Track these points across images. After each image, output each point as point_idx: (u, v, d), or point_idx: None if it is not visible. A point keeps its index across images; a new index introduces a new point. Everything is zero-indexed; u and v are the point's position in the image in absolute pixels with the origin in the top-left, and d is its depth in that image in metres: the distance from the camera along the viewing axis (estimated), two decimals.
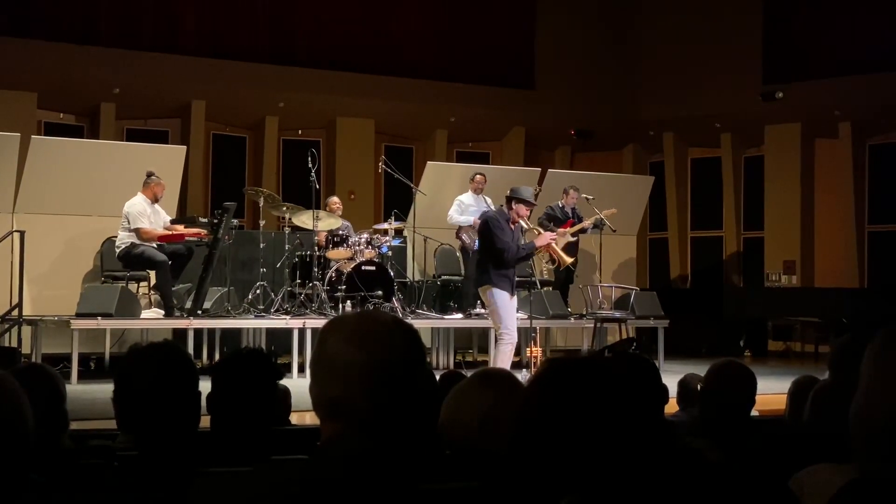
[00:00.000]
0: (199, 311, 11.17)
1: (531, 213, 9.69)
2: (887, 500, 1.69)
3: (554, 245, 9.40)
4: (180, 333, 11.06)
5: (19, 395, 2.07)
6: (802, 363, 14.39)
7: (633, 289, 13.25)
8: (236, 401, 3.16)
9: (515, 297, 9.34)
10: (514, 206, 9.09)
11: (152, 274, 11.31)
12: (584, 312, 13.04)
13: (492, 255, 9.04)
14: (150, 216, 11.07)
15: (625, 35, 18.20)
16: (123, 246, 11.03)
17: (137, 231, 10.93)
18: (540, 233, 9.43)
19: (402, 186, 13.42)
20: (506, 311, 9.07)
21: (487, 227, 9.14)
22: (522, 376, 9.66)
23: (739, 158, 18.02)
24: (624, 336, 11.75)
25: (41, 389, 3.02)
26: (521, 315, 10.28)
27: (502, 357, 9.14)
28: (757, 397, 4.16)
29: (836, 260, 16.94)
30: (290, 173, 16.59)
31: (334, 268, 11.81)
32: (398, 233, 12.94)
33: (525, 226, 9.33)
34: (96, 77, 14.87)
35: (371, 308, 11.31)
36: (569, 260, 9.71)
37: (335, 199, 12.75)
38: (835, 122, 16.67)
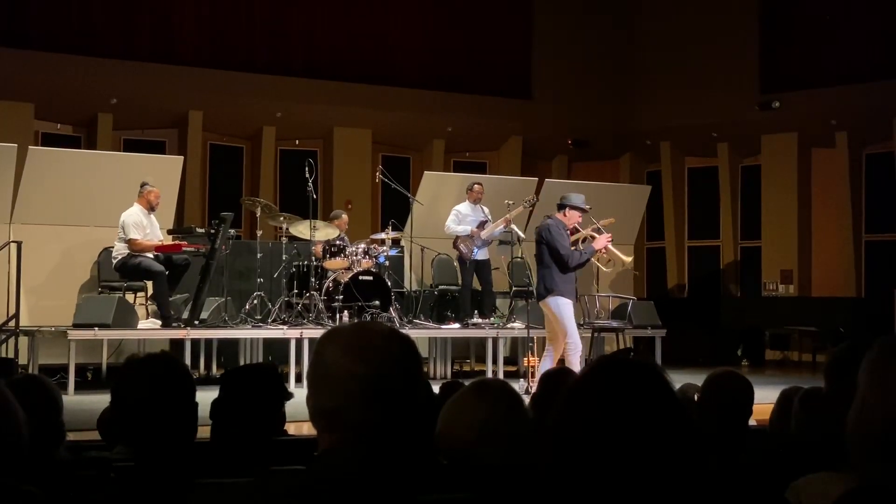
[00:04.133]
0: (197, 322, 11.15)
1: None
2: None
3: (611, 246, 9.34)
4: (177, 344, 11.04)
5: (13, 405, 2.06)
6: (800, 372, 14.39)
7: (630, 298, 13.24)
8: (241, 411, 3.16)
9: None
10: (566, 214, 9.09)
11: (149, 284, 11.30)
12: (582, 322, 13.01)
13: (556, 263, 9.02)
14: (145, 227, 11.07)
15: (621, 45, 18.23)
16: (120, 256, 11.03)
17: (129, 242, 10.92)
18: (595, 237, 9.37)
19: (400, 196, 13.42)
20: (571, 321, 9.07)
21: (550, 234, 9.11)
22: (520, 386, 9.66)
23: (736, 168, 18.04)
24: (621, 346, 11.76)
25: (37, 400, 3.01)
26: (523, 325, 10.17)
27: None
28: (754, 407, 4.15)
29: (833, 269, 16.95)
30: (287, 183, 16.59)
31: (331, 278, 11.80)
32: (395, 242, 12.94)
33: (583, 231, 9.32)
34: (93, 87, 14.88)
35: (368, 318, 11.30)
36: (627, 259, 9.64)
37: (346, 217, 12.73)
38: (831, 132, 16.69)
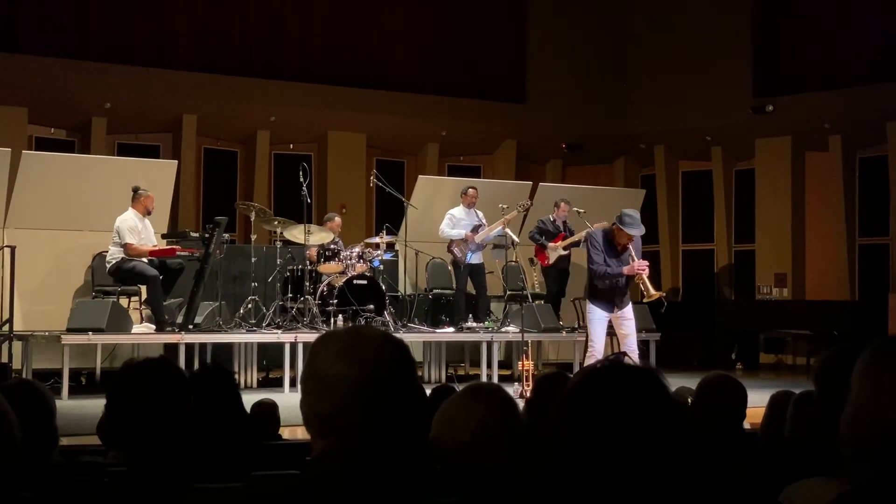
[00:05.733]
0: (191, 326, 11.14)
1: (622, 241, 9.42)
2: None
3: (643, 276, 9.39)
4: (171, 348, 11.02)
5: (6, 410, 2.06)
6: (794, 376, 14.41)
7: None
8: (205, 420, 3.15)
9: (628, 309, 9.47)
10: (615, 229, 9.20)
11: (143, 289, 11.28)
12: (576, 326, 13.04)
13: (588, 272, 9.45)
14: (140, 232, 11.06)
15: (615, 49, 18.25)
16: (114, 261, 11.02)
17: (125, 247, 10.92)
18: (634, 260, 9.43)
19: (394, 200, 13.42)
20: (593, 327, 9.38)
21: (586, 244, 9.62)
22: (514, 390, 9.66)
23: (730, 171, 18.07)
24: (616, 349, 11.75)
25: (31, 405, 3.01)
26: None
27: None
28: (748, 410, 4.16)
29: (826, 273, 16.97)
30: (281, 187, 16.59)
31: (326, 282, 11.79)
32: (390, 246, 12.93)
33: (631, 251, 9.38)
34: (87, 92, 14.87)
35: (363, 322, 11.29)
36: (655, 294, 9.66)
37: (339, 220, 12.73)
38: (825, 135, 16.72)
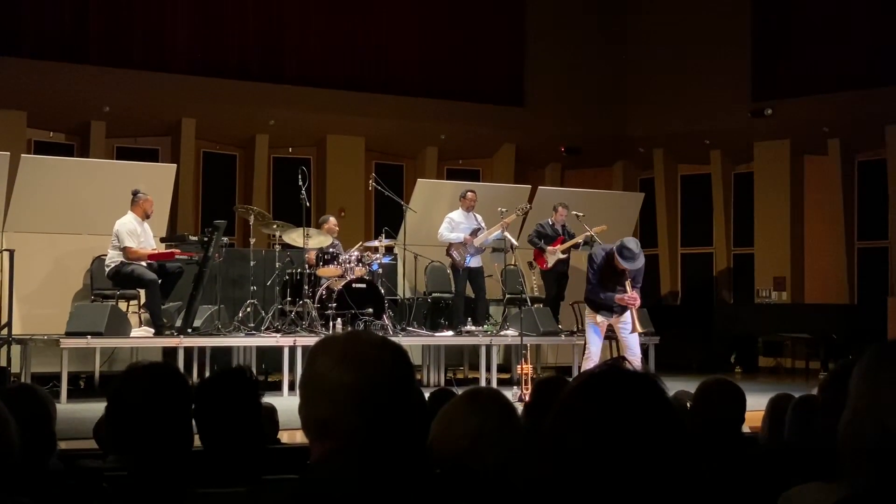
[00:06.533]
0: (190, 330, 11.13)
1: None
2: None
3: (632, 309, 9.59)
4: (170, 352, 11.02)
5: (5, 415, 2.06)
6: (793, 379, 14.41)
7: None
8: (219, 421, 3.15)
9: (626, 315, 9.72)
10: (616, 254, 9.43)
11: (142, 292, 11.28)
12: (575, 329, 13.04)
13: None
14: (139, 235, 11.06)
15: (614, 52, 18.26)
16: (114, 264, 11.01)
17: (125, 250, 10.91)
18: (626, 290, 9.57)
19: (393, 204, 13.42)
20: (590, 331, 9.88)
21: (587, 249, 10.32)
22: (513, 394, 9.67)
23: (729, 175, 18.08)
24: (614, 353, 11.75)
25: (30, 410, 3.01)
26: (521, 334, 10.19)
27: None
28: (747, 414, 4.16)
29: (825, 276, 16.98)
30: (280, 191, 16.59)
31: (325, 285, 11.78)
32: (389, 250, 12.93)
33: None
34: (86, 95, 14.87)
35: (362, 326, 11.30)
36: (640, 330, 10.03)
37: (334, 220, 12.75)
38: (823, 139, 16.73)
